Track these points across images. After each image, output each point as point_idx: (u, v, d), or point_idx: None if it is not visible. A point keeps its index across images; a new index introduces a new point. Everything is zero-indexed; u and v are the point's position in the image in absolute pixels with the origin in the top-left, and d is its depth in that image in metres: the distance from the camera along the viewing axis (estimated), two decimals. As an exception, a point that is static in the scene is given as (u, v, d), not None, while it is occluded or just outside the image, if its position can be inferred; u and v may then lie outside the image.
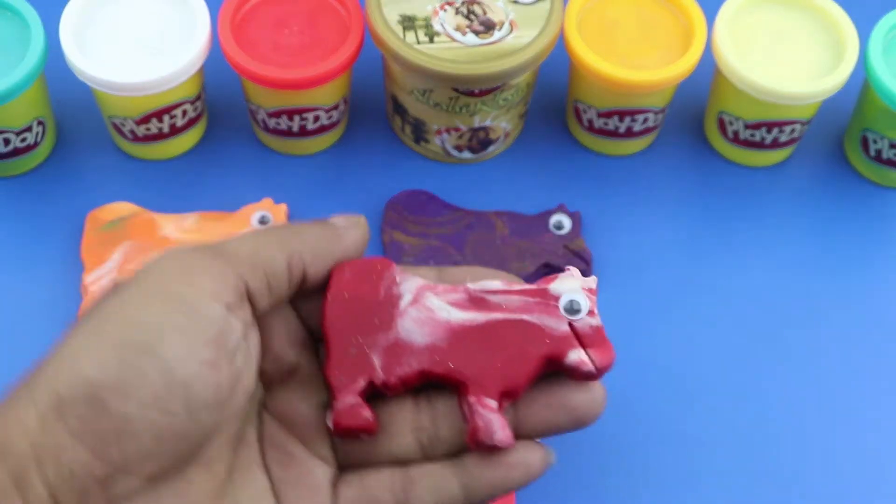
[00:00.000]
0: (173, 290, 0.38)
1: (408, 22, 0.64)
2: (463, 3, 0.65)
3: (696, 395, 0.63)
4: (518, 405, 0.42)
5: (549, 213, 0.67)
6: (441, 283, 0.43)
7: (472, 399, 0.41)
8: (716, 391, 0.63)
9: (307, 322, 0.44)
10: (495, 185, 0.70)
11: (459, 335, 0.42)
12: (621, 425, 0.62)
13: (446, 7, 0.65)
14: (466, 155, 0.70)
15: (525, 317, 0.42)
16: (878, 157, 0.69)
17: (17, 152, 0.68)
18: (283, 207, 0.67)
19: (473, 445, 0.42)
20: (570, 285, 0.42)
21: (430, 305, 0.42)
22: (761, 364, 0.64)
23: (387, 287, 0.42)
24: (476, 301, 0.42)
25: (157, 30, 0.66)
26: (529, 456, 0.42)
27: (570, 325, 0.42)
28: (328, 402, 0.43)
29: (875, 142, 0.69)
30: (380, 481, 0.42)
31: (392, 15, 0.64)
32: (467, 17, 0.65)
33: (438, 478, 0.42)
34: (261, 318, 0.41)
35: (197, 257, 0.39)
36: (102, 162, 0.70)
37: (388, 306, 0.42)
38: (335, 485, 0.42)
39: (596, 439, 0.62)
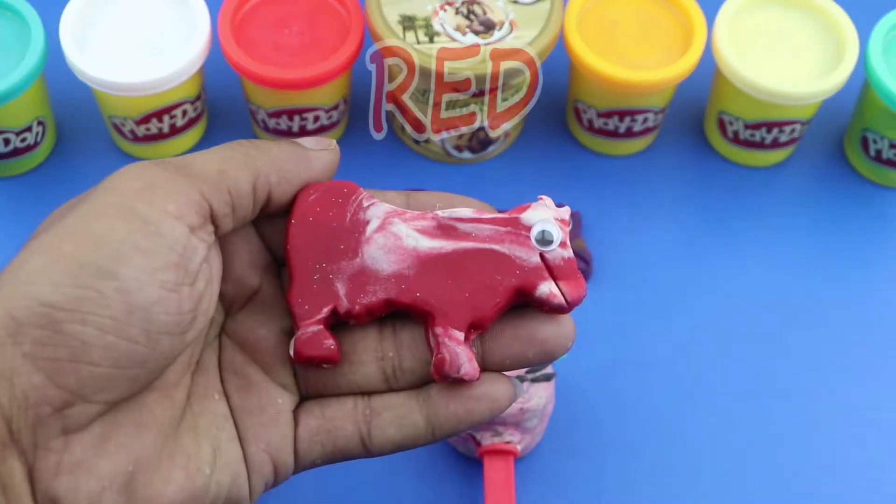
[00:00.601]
0: (135, 208, 0.36)
1: (408, 22, 0.64)
2: (463, 3, 0.65)
3: (695, 395, 0.63)
4: (485, 337, 0.41)
5: (549, 213, 0.67)
6: (409, 209, 0.42)
7: (438, 330, 0.40)
8: (716, 391, 0.63)
9: (270, 245, 0.42)
10: (495, 185, 0.70)
11: (427, 264, 0.41)
12: (621, 425, 0.62)
13: (446, 7, 0.65)
14: (466, 155, 0.70)
15: (495, 247, 0.41)
16: (877, 157, 0.69)
17: (17, 152, 0.68)
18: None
19: (438, 377, 0.40)
20: (542, 215, 0.41)
21: (397, 232, 0.41)
22: (761, 364, 0.64)
23: (353, 212, 0.41)
24: (445, 229, 0.41)
25: (157, 30, 0.66)
26: (495, 389, 0.41)
27: (542, 256, 0.41)
28: (291, 330, 0.41)
29: (875, 142, 0.69)
30: (342, 411, 0.41)
31: (392, 15, 0.64)
32: (467, 17, 0.65)
33: (402, 408, 0.41)
34: (222, 240, 0.40)
35: (160, 174, 0.37)
36: (102, 162, 0.70)
37: (353, 232, 0.41)
38: (296, 413, 0.41)
39: (596, 438, 0.62)
